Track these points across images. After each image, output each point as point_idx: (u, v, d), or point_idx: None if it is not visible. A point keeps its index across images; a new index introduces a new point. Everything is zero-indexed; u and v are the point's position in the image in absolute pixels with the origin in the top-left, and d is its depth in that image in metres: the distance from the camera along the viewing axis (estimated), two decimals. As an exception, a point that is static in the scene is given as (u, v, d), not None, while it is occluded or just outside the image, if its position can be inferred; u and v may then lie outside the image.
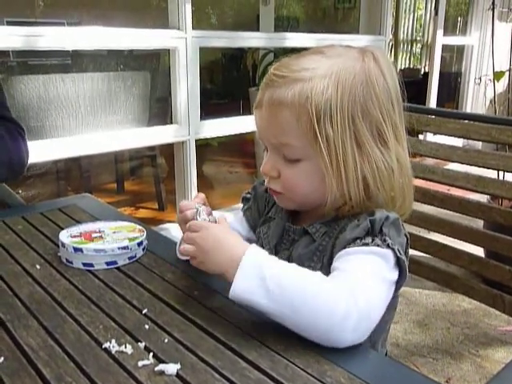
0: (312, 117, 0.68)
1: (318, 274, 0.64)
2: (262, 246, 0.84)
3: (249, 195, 0.93)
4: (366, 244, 0.67)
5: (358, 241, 0.68)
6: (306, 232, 0.77)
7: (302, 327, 0.61)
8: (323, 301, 0.60)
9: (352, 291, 0.61)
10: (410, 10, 6.18)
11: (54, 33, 1.92)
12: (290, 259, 0.76)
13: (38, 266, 0.83)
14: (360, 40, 3.19)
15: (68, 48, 2.11)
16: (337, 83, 0.69)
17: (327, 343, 0.60)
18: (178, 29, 2.26)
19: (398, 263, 0.68)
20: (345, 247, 0.69)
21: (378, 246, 0.67)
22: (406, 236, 0.72)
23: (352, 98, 0.69)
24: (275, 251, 0.81)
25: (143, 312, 0.69)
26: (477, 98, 4.68)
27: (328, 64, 0.70)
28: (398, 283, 0.70)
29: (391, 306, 0.71)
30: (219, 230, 0.69)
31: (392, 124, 0.72)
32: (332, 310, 0.59)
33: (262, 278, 0.61)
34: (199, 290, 0.76)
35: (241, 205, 0.95)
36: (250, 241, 0.95)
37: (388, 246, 0.67)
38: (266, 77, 0.75)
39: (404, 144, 0.75)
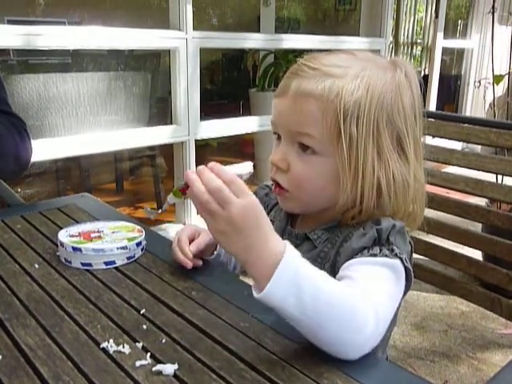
0: (339, 114, 0.68)
1: (347, 288, 0.61)
2: None
3: None
4: (374, 255, 0.66)
5: (366, 251, 0.67)
6: (307, 237, 0.77)
7: (323, 341, 0.58)
8: (350, 318, 0.57)
9: (371, 308, 0.59)
10: (410, 12, 6.18)
11: (55, 32, 1.93)
12: None
13: (36, 266, 0.83)
14: (360, 42, 3.19)
15: (68, 47, 2.11)
16: (367, 86, 0.69)
17: (341, 355, 0.59)
18: (179, 29, 2.26)
19: (405, 272, 0.68)
20: (352, 257, 0.68)
21: (386, 256, 0.66)
22: (410, 244, 0.72)
23: (380, 104, 0.69)
24: None
25: (141, 312, 0.69)
26: (476, 102, 4.69)
27: (360, 65, 0.70)
28: (404, 291, 0.69)
29: (394, 316, 0.70)
30: (260, 208, 0.58)
31: (414, 138, 0.72)
32: (359, 328, 0.57)
33: (298, 287, 0.56)
34: (197, 290, 0.76)
35: None
36: None
37: (396, 256, 0.66)
38: (294, 66, 0.74)
39: (421, 161, 0.75)
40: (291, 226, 0.81)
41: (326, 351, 0.59)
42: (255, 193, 0.92)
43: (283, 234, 0.81)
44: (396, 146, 0.71)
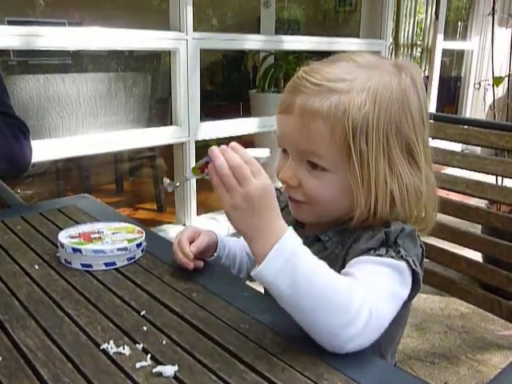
0: (348, 131, 0.67)
1: (345, 279, 0.62)
2: None
3: None
4: (380, 255, 0.66)
5: (372, 251, 0.67)
6: (318, 239, 0.76)
7: (312, 327, 0.60)
8: (343, 307, 0.58)
9: (367, 301, 0.60)
10: (410, 14, 6.19)
11: (55, 33, 1.93)
12: None
13: (36, 267, 0.83)
14: (360, 44, 3.20)
15: (68, 48, 2.11)
16: (374, 99, 0.68)
17: (329, 345, 0.59)
18: (179, 30, 2.26)
19: (413, 274, 0.68)
20: (358, 256, 0.68)
21: (391, 257, 0.66)
22: (421, 247, 0.72)
23: (388, 116, 0.68)
24: None
25: (141, 313, 0.69)
26: (476, 103, 4.70)
27: (365, 76, 0.69)
28: (411, 294, 0.69)
29: (402, 320, 0.70)
30: (273, 193, 0.61)
31: (423, 143, 0.72)
32: (350, 320, 0.58)
33: (294, 267, 0.58)
34: (197, 291, 0.76)
35: None
36: None
37: (402, 258, 0.66)
38: (295, 81, 0.72)
39: (431, 164, 0.75)
40: (302, 227, 0.80)
41: (313, 338, 0.60)
42: None
43: None
44: (407, 155, 0.71)
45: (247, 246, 0.87)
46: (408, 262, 0.66)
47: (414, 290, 0.69)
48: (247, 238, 0.61)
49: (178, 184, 0.78)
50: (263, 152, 0.65)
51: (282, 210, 0.85)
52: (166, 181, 0.76)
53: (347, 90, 0.68)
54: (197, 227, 0.87)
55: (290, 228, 0.61)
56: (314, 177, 0.71)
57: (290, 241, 0.60)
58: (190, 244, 0.82)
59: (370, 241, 0.68)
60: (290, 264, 0.58)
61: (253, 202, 0.59)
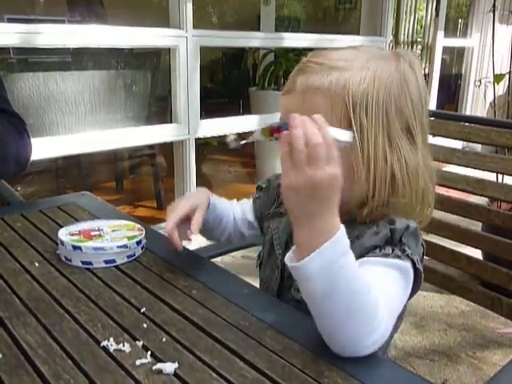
0: (348, 105, 0.68)
1: (374, 286, 0.60)
2: (272, 241, 0.84)
3: (263, 185, 0.94)
4: (386, 255, 0.66)
5: (378, 250, 0.67)
6: None
7: (334, 330, 0.58)
8: (371, 316, 0.58)
9: (385, 311, 0.59)
10: (410, 11, 6.18)
11: (55, 30, 1.92)
12: None
13: (36, 264, 0.83)
14: (361, 41, 3.19)
15: (68, 46, 2.11)
16: (373, 77, 0.69)
17: (347, 351, 0.59)
18: (179, 28, 2.26)
19: (415, 273, 0.68)
20: (363, 255, 0.68)
21: (398, 257, 0.66)
22: (422, 246, 0.72)
23: (387, 93, 0.69)
24: (285, 247, 0.81)
25: (141, 311, 0.69)
26: (476, 101, 4.69)
27: (364, 58, 0.71)
28: (411, 294, 0.69)
29: (399, 317, 0.71)
30: (338, 186, 0.57)
31: (421, 125, 0.73)
32: (375, 328, 0.58)
33: (339, 267, 0.56)
34: (197, 289, 0.76)
35: (242, 200, 0.96)
36: (252, 228, 0.95)
37: (407, 257, 0.67)
38: (299, 65, 0.75)
39: (428, 148, 0.75)
40: None
41: (329, 341, 0.59)
42: (268, 180, 0.92)
43: None
44: (406, 133, 0.71)
45: (240, 211, 0.91)
46: (413, 261, 0.67)
47: (415, 288, 0.69)
48: (297, 223, 0.58)
49: (242, 142, 0.71)
50: (345, 135, 0.60)
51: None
52: (230, 136, 0.71)
53: (347, 68, 0.70)
54: (190, 198, 0.88)
55: (343, 227, 0.58)
56: None
57: (343, 240, 0.57)
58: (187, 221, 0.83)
59: (375, 237, 0.68)
60: (336, 264, 0.56)
61: (315, 189, 0.55)
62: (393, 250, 0.67)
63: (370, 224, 0.71)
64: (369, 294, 0.58)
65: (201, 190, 0.91)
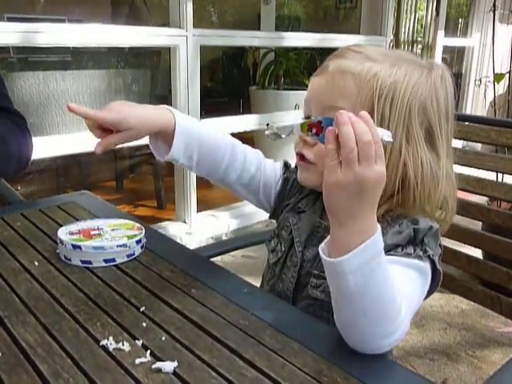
0: (374, 92, 0.69)
1: (399, 290, 0.60)
2: (288, 235, 0.83)
3: (288, 168, 0.89)
4: (408, 254, 0.66)
5: (400, 249, 0.67)
6: None
7: (354, 327, 0.59)
8: (392, 318, 0.58)
9: (405, 315, 0.60)
10: (411, 10, 6.18)
11: (55, 29, 1.92)
12: (317, 256, 0.74)
13: (36, 263, 0.83)
14: (361, 40, 3.19)
15: (68, 45, 2.11)
16: (404, 74, 0.71)
17: (362, 348, 0.59)
18: (179, 27, 2.26)
19: (434, 273, 0.68)
20: (384, 253, 0.68)
21: (419, 257, 0.66)
22: (440, 247, 0.72)
23: (415, 92, 0.70)
24: (304, 246, 0.80)
25: (141, 310, 0.69)
26: (477, 100, 4.69)
27: (400, 58, 0.74)
28: (428, 293, 0.69)
29: None
30: (382, 185, 0.56)
31: (446, 136, 0.73)
32: (396, 328, 0.59)
33: (373, 268, 0.56)
34: (197, 288, 0.76)
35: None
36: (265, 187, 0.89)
37: (428, 257, 0.67)
38: (336, 51, 0.77)
39: (452, 160, 0.75)
40: (323, 218, 0.79)
41: (346, 337, 0.60)
42: (289, 170, 0.89)
43: (313, 226, 0.80)
44: (426, 136, 0.72)
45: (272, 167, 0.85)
46: (433, 262, 0.67)
47: (432, 289, 0.70)
48: (335, 220, 0.56)
49: (283, 136, 0.68)
50: (387, 134, 0.59)
51: (305, 196, 0.83)
52: (271, 129, 0.67)
53: (381, 61, 0.72)
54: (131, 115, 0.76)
55: (379, 227, 0.58)
56: None
57: (379, 241, 0.57)
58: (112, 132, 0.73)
59: (397, 236, 0.68)
60: (370, 265, 0.56)
61: (363, 188, 0.54)
62: (414, 250, 0.67)
63: (392, 223, 0.71)
64: (395, 299, 0.58)
65: (161, 109, 0.81)
